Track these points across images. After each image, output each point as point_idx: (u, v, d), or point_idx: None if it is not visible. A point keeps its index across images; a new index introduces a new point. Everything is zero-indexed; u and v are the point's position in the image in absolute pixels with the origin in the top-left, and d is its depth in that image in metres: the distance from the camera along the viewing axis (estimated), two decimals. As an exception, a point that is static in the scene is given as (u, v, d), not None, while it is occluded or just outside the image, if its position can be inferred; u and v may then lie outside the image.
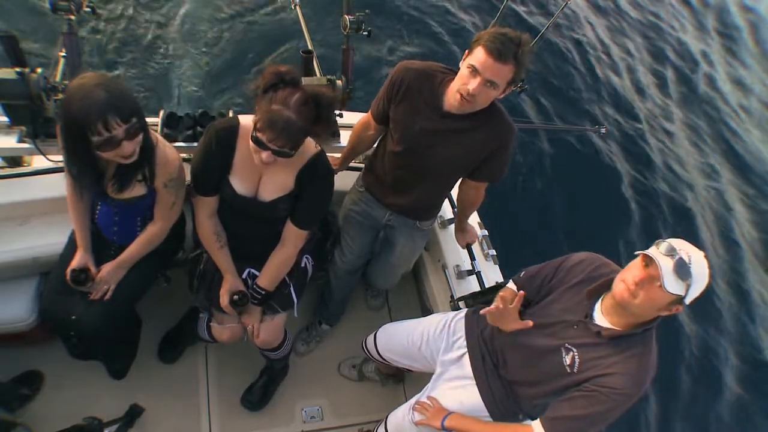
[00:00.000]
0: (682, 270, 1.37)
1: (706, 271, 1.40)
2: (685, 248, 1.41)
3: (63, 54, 1.99)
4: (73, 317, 1.89)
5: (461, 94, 1.73)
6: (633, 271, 1.45)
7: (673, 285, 1.38)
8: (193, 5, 5.03)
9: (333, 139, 2.29)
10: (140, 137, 1.57)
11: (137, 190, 1.74)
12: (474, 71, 1.68)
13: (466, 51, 1.73)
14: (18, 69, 1.82)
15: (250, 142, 1.61)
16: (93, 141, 1.48)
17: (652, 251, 1.42)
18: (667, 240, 1.42)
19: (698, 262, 1.39)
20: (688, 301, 1.41)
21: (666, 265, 1.38)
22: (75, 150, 1.55)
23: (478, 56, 1.66)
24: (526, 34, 1.69)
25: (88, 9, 1.95)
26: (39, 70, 1.86)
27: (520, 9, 6.06)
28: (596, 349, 1.54)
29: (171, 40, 4.73)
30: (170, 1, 4.99)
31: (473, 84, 1.69)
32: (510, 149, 1.94)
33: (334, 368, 2.72)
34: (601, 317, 1.57)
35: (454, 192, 2.31)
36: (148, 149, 1.65)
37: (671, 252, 1.39)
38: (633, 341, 1.51)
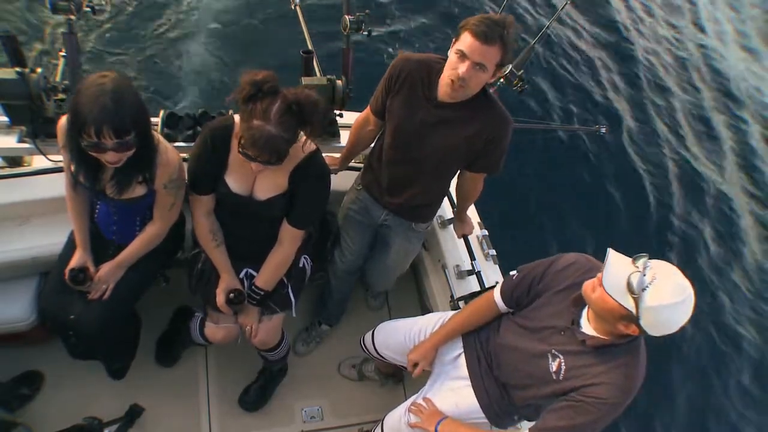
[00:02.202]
0: (635, 283, 1.30)
1: (674, 305, 1.28)
2: (661, 271, 1.31)
3: (63, 54, 1.99)
4: (72, 317, 1.89)
5: (452, 80, 1.74)
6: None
7: (614, 288, 1.32)
8: (193, 5, 5.03)
9: (332, 139, 2.29)
10: (130, 152, 1.56)
11: (138, 190, 1.74)
12: (462, 56, 1.69)
13: (454, 38, 1.74)
14: (18, 69, 1.82)
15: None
16: (83, 137, 1.48)
17: (619, 255, 1.38)
18: (654, 260, 1.35)
19: (666, 290, 1.29)
20: (647, 327, 1.32)
21: (619, 267, 1.34)
22: (71, 136, 1.55)
23: (465, 41, 1.68)
24: (511, 17, 1.70)
25: (88, 9, 1.94)
26: (39, 70, 1.86)
27: (523, 7, 6.05)
28: (581, 357, 1.52)
29: (170, 40, 4.73)
30: (170, 1, 4.99)
31: (462, 68, 1.69)
32: (506, 141, 1.93)
33: (334, 368, 2.72)
34: (587, 324, 1.53)
35: (452, 189, 2.31)
36: (150, 151, 1.65)
37: (642, 265, 1.33)
38: (617, 351, 1.48)
